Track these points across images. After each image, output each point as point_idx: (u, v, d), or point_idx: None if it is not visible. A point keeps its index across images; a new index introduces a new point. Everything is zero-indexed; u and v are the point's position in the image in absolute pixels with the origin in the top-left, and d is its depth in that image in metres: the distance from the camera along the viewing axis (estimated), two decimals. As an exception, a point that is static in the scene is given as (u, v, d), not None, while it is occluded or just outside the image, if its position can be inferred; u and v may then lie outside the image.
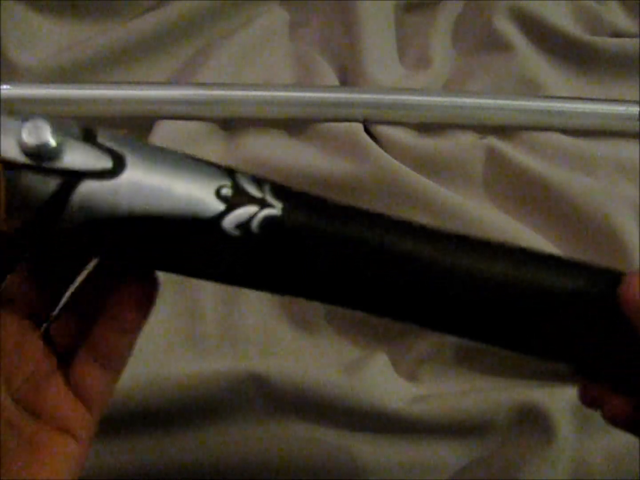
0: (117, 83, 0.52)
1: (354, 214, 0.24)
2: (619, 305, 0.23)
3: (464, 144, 0.51)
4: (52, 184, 0.21)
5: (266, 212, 0.23)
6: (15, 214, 0.21)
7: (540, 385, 0.43)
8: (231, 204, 0.22)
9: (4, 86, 0.49)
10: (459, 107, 0.52)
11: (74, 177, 0.21)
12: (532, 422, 0.42)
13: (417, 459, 0.42)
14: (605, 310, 0.24)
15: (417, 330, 0.45)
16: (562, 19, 0.57)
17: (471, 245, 0.25)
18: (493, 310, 0.24)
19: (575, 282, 0.24)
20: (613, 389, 0.26)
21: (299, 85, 0.54)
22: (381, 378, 0.43)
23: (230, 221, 0.22)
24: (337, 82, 0.54)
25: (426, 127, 0.52)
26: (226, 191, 0.23)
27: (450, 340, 0.44)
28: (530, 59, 0.56)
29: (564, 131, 0.52)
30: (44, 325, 0.26)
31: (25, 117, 0.21)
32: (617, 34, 0.58)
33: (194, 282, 0.45)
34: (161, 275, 0.25)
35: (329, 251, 0.23)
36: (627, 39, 0.57)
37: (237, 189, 0.23)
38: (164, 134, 0.49)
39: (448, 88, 0.56)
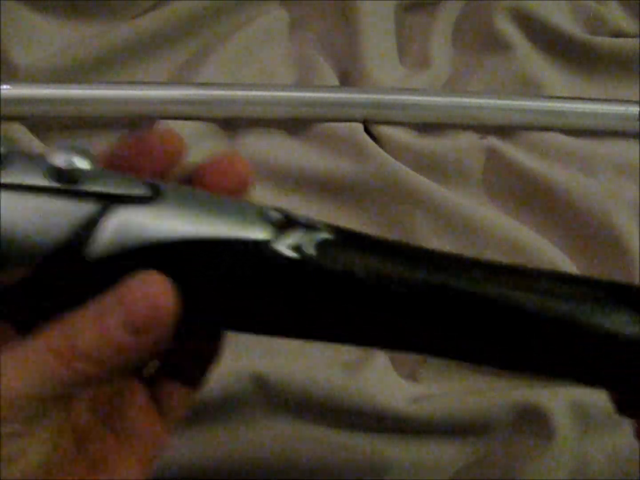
0: (117, 83, 0.52)
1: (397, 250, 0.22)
2: None
3: (464, 144, 0.51)
4: (85, 208, 0.19)
5: (320, 235, 0.21)
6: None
7: (540, 385, 0.43)
8: (280, 227, 0.21)
9: (4, 86, 0.49)
10: (459, 107, 0.52)
11: (110, 200, 0.19)
12: (532, 422, 0.42)
13: (417, 459, 0.42)
14: None
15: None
16: (562, 19, 0.57)
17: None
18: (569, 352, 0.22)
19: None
20: None
21: (299, 85, 0.54)
22: (381, 378, 0.43)
23: (283, 243, 0.21)
24: (337, 82, 0.54)
25: (426, 127, 0.52)
26: (274, 214, 0.21)
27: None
28: (530, 59, 0.56)
29: (564, 131, 0.52)
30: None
31: (57, 146, 0.19)
32: (617, 34, 0.58)
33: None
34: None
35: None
36: (627, 39, 0.57)
37: (285, 214, 0.22)
38: (164, 134, 0.49)
39: (448, 88, 0.56)
